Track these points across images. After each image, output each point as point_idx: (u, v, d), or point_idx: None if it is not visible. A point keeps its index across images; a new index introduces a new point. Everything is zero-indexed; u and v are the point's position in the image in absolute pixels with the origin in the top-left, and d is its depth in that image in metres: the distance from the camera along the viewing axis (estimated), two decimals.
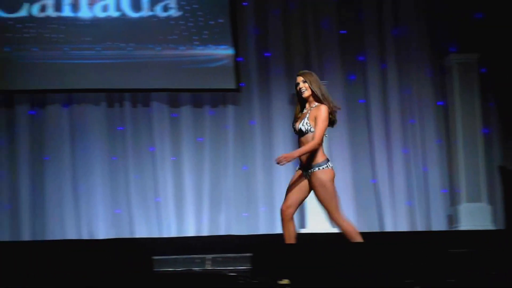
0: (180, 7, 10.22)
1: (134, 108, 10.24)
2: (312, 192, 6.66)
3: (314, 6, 10.52)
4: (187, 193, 10.15)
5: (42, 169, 10.00)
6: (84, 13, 10.08)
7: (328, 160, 6.65)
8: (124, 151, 10.14)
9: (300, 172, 6.72)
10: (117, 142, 10.16)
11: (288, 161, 6.54)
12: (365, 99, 10.58)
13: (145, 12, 10.17)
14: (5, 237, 9.75)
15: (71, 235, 9.81)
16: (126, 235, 9.84)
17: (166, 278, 6.75)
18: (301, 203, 6.75)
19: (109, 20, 10.11)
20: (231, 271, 7.62)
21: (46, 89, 10.04)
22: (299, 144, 6.68)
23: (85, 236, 9.88)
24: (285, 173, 10.26)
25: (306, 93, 6.72)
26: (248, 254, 7.52)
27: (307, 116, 6.67)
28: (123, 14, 10.13)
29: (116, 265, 7.57)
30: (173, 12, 10.23)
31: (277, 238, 9.42)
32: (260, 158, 10.32)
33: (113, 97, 10.23)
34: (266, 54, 10.50)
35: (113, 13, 10.13)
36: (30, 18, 10.01)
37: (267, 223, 10.18)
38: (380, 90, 10.56)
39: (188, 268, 7.96)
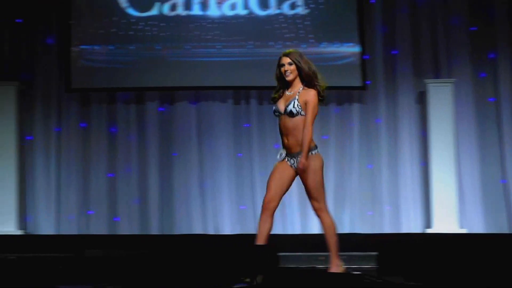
0: (307, 5, 10.22)
1: (260, 106, 10.31)
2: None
3: (444, 3, 10.32)
4: None
5: (170, 165, 10.20)
6: (213, 11, 10.22)
7: (317, 147, 6.50)
8: (250, 148, 10.23)
9: (282, 162, 6.50)
10: (243, 139, 10.25)
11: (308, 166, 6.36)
12: (495, 97, 10.30)
13: (272, 10, 10.23)
14: (135, 230, 10.01)
15: (198, 230, 9.97)
16: (251, 231, 9.91)
17: (291, 275, 6.77)
18: (283, 195, 6.59)
19: (236, 18, 10.21)
20: (356, 269, 7.58)
21: (175, 86, 10.24)
22: (283, 126, 6.48)
23: (211, 231, 10.04)
24: (411, 172, 10.13)
25: (291, 76, 6.49)
26: (373, 253, 7.46)
27: (296, 98, 6.45)
28: (251, 12, 10.22)
29: (242, 261, 7.66)
30: (300, 10, 10.25)
31: (403, 238, 9.36)
32: (386, 156, 10.21)
33: (239, 94, 10.34)
34: (393, 52, 10.38)
35: (241, 11, 10.23)
36: (161, 16, 10.21)
37: (392, 222, 10.07)
38: (511, 88, 10.26)
39: (312, 265, 7.96)
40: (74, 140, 10.22)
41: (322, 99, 6.49)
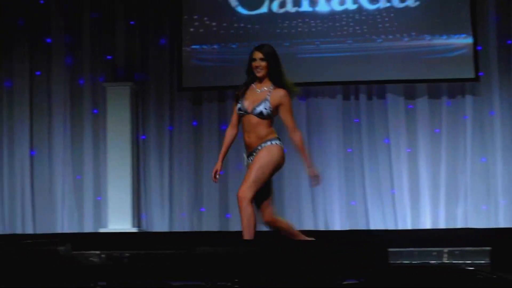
0: None
1: (369, 101, 10.21)
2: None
3: None
4: (422, 185, 9.98)
5: None
6: (322, 7, 10.19)
7: (279, 138, 6.23)
8: (359, 143, 10.14)
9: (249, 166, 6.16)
10: (353, 134, 10.18)
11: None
12: None
13: (382, 4, 10.11)
14: None
15: (308, 225, 9.95)
16: (361, 226, 9.85)
17: (402, 271, 6.68)
18: (269, 196, 6.29)
19: (346, 13, 10.15)
20: (469, 265, 7.42)
21: None
22: (247, 123, 6.20)
23: (321, 227, 10.01)
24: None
25: (262, 72, 6.17)
26: (487, 248, 7.29)
27: (267, 99, 6.15)
28: (360, 7, 10.14)
29: (352, 257, 7.62)
30: (411, 2, 10.09)
31: None
32: (500, 149, 9.94)
33: (349, 89, 10.27)
34: (508, 42, 10.09)
35: (350, 6, 10.15)
36: (270, 14, 10.26)
37: (508, 216, 9.80)
38: None
39: (424, 261, 7.83)
40: (186, 138, 10.39)
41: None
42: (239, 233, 9.67)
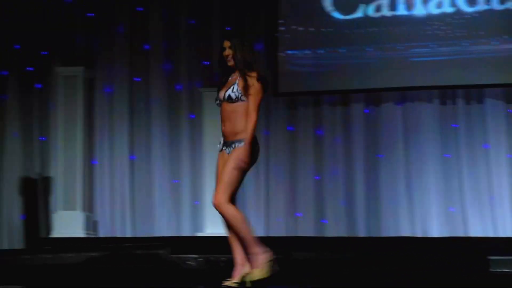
0: None
1: (468, 105, 10.05)
2: None
3: None
4: None
5: (376, 166, 10.15)
6: (419, 10, 10.09)
7: (255, 138, 5.81)
8: (457, 149, 9.99)
9: (221, 155, 5.87)
10: (450, 139, 10.03)
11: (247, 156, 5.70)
12: None
13: (480, 6, 9.95)
14: (342, 232, 10.04)
15: (405, 232, 9.86)
16: (460, 233, 9.69)
17: (504, 279, 6.56)
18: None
19: (443, 16, 10.01)
20: None
21: (381, 87, 10.18)
22: (223, 112, 5.84)
23: (418, 233, 9.88)
24: None
25: (232, 61, 5.84)
26: None
27: (236, 82, 5.81)
28: (458, 10, 9.99)
29: (451, 264, 7.51)
30: (511, 4, 9.90)
31: None
32: None
33: (446, 94, 10.12)
34: None
35: (447, 8, 10.02)
36: (366, 18, 10.20)
37: None
38: None
39: None
40: (281, 143, 10.42)
41: (264, 86, 5.86)
42: (336, 239, 9.70)
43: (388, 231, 9.91)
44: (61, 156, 10.21)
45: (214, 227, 9.85)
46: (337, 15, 10.29)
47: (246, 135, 5.77)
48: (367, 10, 10.22)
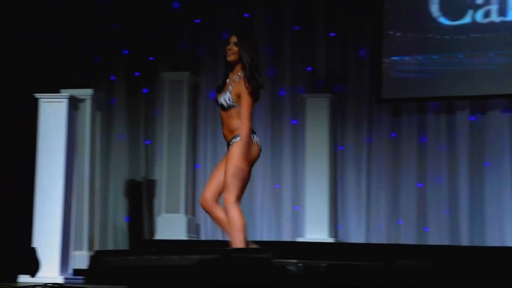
0: None
1: None
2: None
3: None
4: None
5: (481, 175, 9.93)
6: None
7: (254, 133, 5.79)
8: None
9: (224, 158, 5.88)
10: None
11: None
12: None
13: None
14: (445, 241, 9.87)
15: (510, 242, 9.62)
16: None
17: None
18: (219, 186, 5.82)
19: None
20: None
21: (487, 95, 9.98)
22: (222, 118, 5.92)
23: None
24: None
25: (232, 56, 5.79)
26: None
27: (229, 89, 5.79)
28: None
29: None
30: None
31: None
32: None
33: None
34: None
35: None
36: (474, 24, 10.02)
37: None
38: None
39: None
40: (384, 149, 10.32)
41: (254, 95, 5.85)
42: (438, 247, 9.54)
43: (493, 241, 9.69)
44: (165, 160, 10.40)
45: (314, 233, 9.87)
46: (444, 20, 10.15)
47: (241, 130, 5.82)
48: (475, 16, 10.04)
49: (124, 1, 10.93)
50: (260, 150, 6.00)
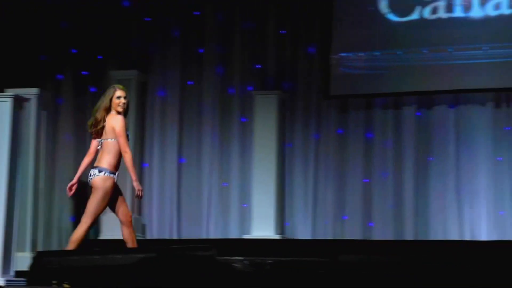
0: None
1: None
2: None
3: None
4: None
5: (426, 170, 10.01)
6: (476, 12, 9.94)
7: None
8: (510, 152, 9.78)
9: None
10: (503, 142, 9.83)
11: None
12: None
13: None
14: (389, 235, 9.93)
15: (453, 235, 9.71)
16: (509, 237, 9.48)
17: None
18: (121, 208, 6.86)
19: (501, 18, 9.84)
20: None
21: (434, 90, 10.05)
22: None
23: (467, 237, 9.72)
24: None
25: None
26: None
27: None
28: None
29: (499, 268, 7.35)
30: None
31: None
32: None
33: (500, 97, 9.94)
34: None
35: (505, 10, 9.87)
36: (422, 20, 10.09)
37: None
38: None
39: None
40: (331, 146, 10.36)
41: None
42: (383, 242, 9.59)
43: (436, 235, 9.77)
44: None
45: (260, 230, 9.87)
46: (392, 17, 10.22)
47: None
48: (423, 13, 10.10)
49: None
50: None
